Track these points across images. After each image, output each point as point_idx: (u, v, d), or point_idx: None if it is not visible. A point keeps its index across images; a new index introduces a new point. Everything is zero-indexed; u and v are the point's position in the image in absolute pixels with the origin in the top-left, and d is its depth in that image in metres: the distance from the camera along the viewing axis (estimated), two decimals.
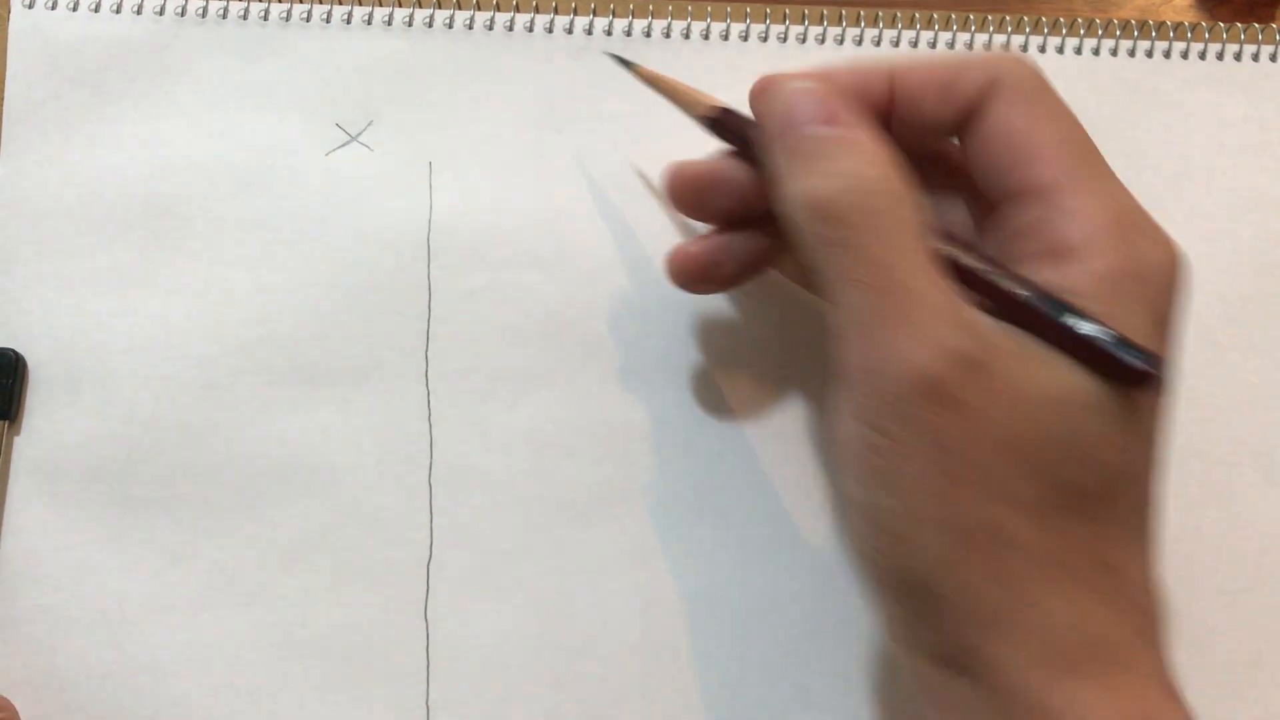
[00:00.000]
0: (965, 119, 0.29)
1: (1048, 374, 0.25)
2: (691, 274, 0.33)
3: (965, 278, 0.27)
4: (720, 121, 0.32)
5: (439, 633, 0.34)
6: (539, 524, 0.35)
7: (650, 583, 0.35)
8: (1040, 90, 0.29)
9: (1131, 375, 0.25)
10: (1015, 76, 0.28)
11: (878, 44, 0.39)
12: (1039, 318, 0.26)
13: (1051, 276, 0.26)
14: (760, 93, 0.29)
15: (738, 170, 0.31)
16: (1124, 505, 0.26)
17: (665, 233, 0.37)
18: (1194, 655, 0.35)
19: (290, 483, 0.35)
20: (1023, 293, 0.26)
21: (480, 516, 0.35)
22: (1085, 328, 0.25)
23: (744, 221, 0.32)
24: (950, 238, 0.28)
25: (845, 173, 0.27)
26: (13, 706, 0.33)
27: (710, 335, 0.37)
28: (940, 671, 0.26)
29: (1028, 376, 0.25)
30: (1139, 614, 0.26)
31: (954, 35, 0.39)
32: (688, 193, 0.32)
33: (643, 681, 0.34)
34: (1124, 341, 0.25)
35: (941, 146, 0.31)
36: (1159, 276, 0.27)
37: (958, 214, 0.31)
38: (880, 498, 0.26)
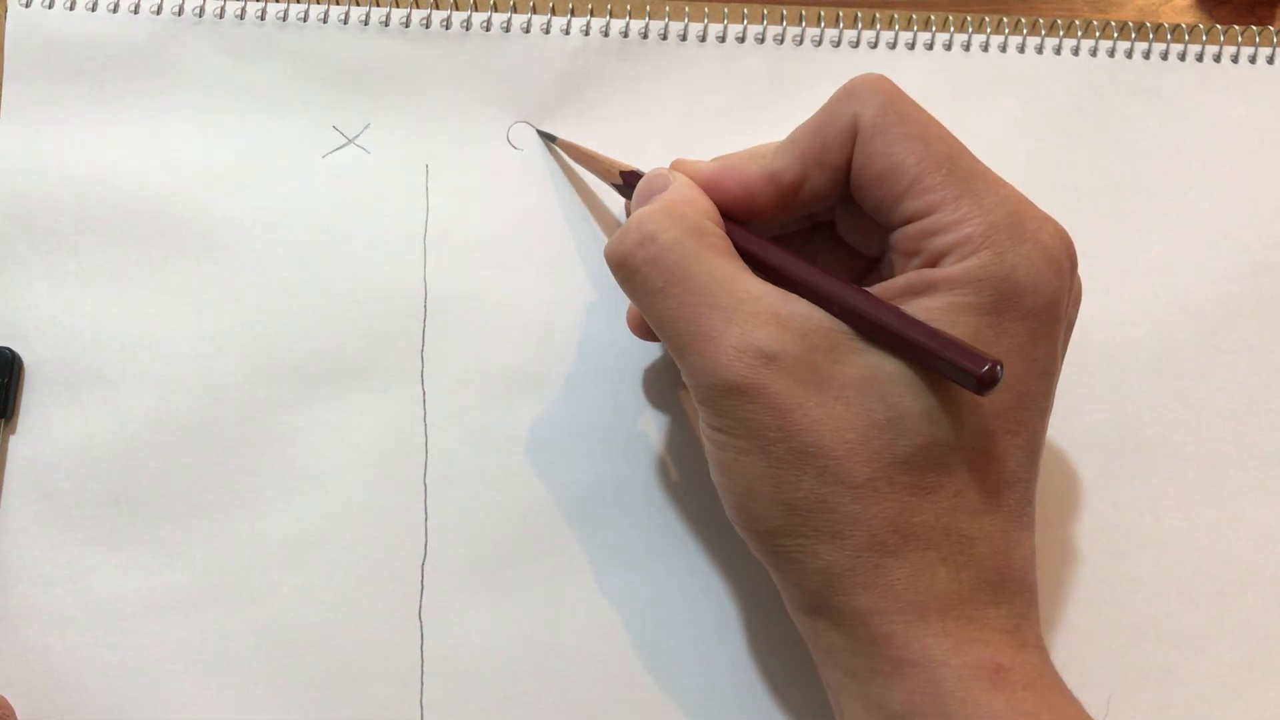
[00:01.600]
0: (847, 175, 0.30)
1: (865, 359, 0.27)
2: (643, 329, 0.34)
3: (780, 276, 0.29)
4: (628, 184, 0.34)
5: (433, 633, 0.35)
6: (534, 525, 0.35)
7: (645, 584, 0.35)
8: (891, 116, 0.29)
9: (963, 378, 0.26)
10: (867, 114, 0.29)
11: (875, 45, 0.39)
12: (864, 316, 0.27)
13: (909, 279, 0.28)
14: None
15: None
16: (963, 478, 0.27)
17: None
18: (1190, 656, 0.35)
19: (286, 482, 0.35)
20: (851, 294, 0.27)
21: (475, 517, 0.35)
22: (913, 333, 0.26)
23: None
24: (768, 243, 0.30)
25: (622, 230, 0.30)
26: (9, 705, 0.34)
27: None
28: (813, 619, 0.29)
29: (845, 362, 0.27)
30: (992, 575, 0.27)
31: (951, 36, 0.39)
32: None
33: (638, 683, 0.34)
34: (953, 343, 0.26)
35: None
36: (1028, 274, 0.27)
37: (872, 247, 0.32)
38: (725, 482, 0.29)
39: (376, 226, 0.37)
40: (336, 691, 0.34)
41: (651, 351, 0.37)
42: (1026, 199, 0.29)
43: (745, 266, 0.29)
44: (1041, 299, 0.27)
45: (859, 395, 0.27)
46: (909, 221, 0.28)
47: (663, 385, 0.36)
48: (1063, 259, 0.28)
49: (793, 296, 0.28)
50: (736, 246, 0.30)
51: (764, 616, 0.35)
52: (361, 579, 0.35)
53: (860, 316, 0.27)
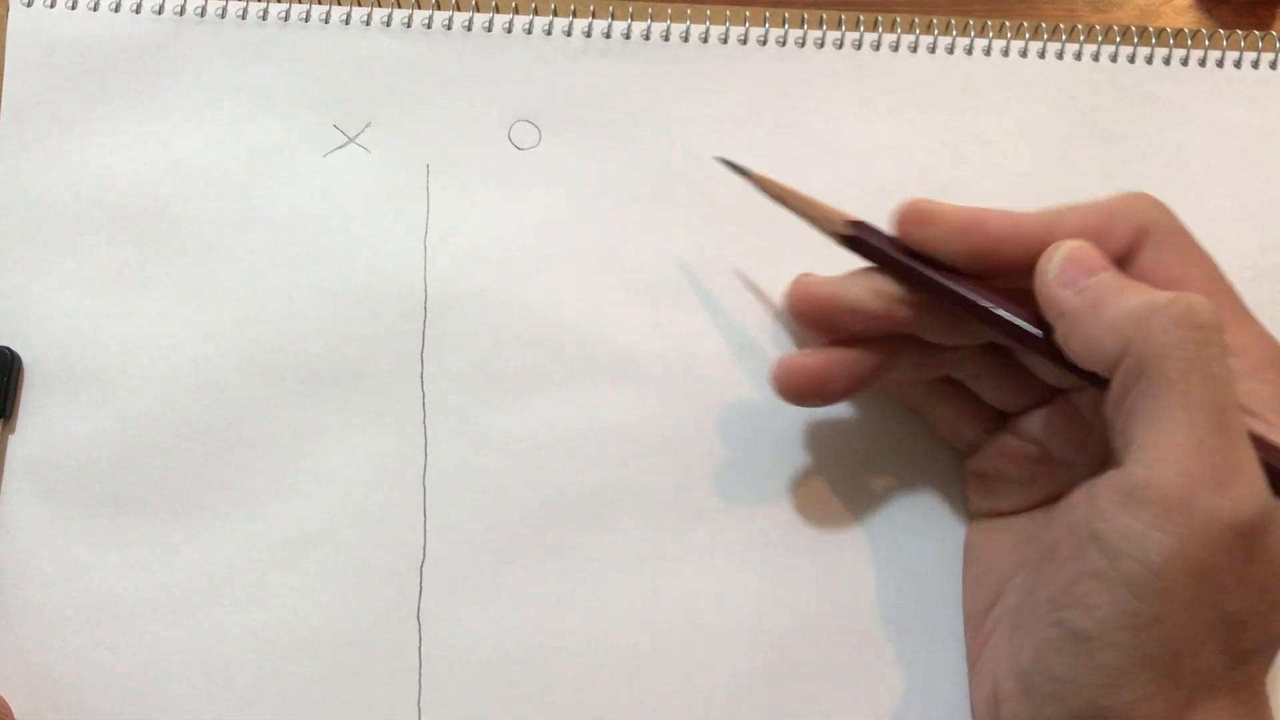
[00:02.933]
0: (1117, 266, 0.29)
1: None
2: (801, 389, 0.32)
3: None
4: (856, 239, 0.31)
5: (432, 635, 0.34)
6: (533, 527, 0.35)
7: (645, 586, 0.35)
8: (1182, 235, 0.30)
9: None
10: (1162, 225, 0.29)
11: (877, 48, 0.39)
12: None
13: None
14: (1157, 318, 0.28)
15: (867, 291, 0.31)
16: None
17: (663, 235, 0.37)
18: None
19: (284, 483, 0.35)
20: None
21: (474, 519, 0.35)
22: None
23: (859, 338, 0.32)
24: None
25: (1199, 299, 0.27)
26: (7, 705, 0.34)
27: (707, 338, 0.37)
28: None
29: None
30: None
31: (954, 40, 0.39)
32: (815, 313, 0.32)
33: (637, 686, 0.34)
34: None
35: None
36: None
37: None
38: (1146, 622, 0.26)
39: (377, 226, 0.37)
40: (334, 692, 0.34)
41: (654, 354, 0.36)
42: None
43: None
44: None
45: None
46: None
47: (663, 387, 0.36)
48: None
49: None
50: None
51: (764, 617, 0.35)
52: (360, 580, 0.35)
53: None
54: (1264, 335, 0.29)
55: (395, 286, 0.36)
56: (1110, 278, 0.28)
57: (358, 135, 0.37)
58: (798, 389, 0.32)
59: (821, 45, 0.39)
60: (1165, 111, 0.39)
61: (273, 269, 0.36)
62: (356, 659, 0.34)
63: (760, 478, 0.36)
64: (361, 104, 0.38)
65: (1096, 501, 0.27)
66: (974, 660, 0.33)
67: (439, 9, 0.38)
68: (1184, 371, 0.26)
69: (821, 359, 0.32)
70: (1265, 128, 0.39)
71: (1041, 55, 0.39)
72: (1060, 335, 0.29)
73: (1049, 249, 0.29)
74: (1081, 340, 0.28)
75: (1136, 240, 0.29)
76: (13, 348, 0.35)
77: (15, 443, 0.35)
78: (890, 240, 0.31)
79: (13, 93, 0.37)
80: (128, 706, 0.34)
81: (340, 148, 0.37)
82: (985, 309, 0.30)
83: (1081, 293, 0.28)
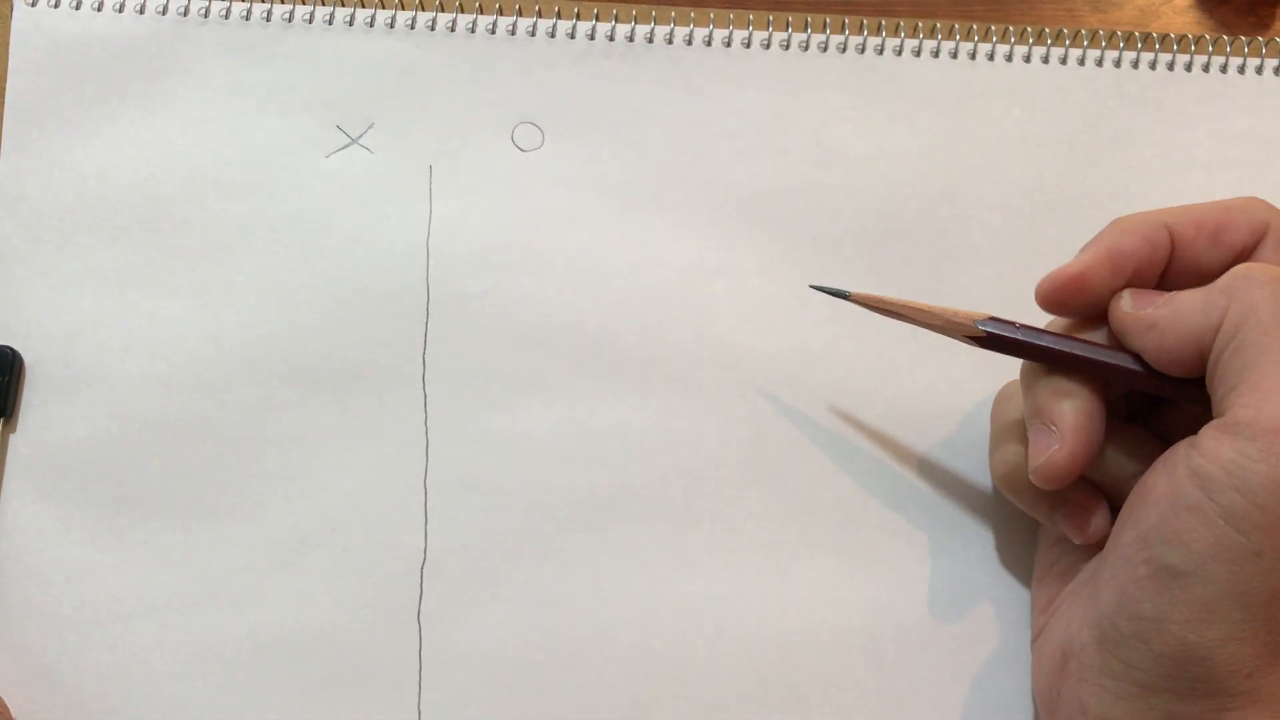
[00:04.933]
0: (1235, 263, 0.29)
1: None
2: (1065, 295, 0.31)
3: None
4: (992, 337, 0.31)
5: (432, 637, 0.34)
6: (534, 528, 0.35)
7: (645, 588, 0.35)
8: None
9: None
10: (1278, 225, 0.29)
11: (880, 52, 0.39)
12: None
13: None
14: (1243, 280, 0.28)
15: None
16: None
17: (665, 237, 0.37)
18: None
19: (285, 484, 0.35)
20: None
21: (475, 521, 0.35)
22: None
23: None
24: None
25: (1252, 264, 0.28)
26: (5, 705, 0.33)
27: (709, 340, 0.37)
28: None
29: None
30: None
31: (957, 45, 0.39)
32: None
33: (637, 686, 0.34)
34: None
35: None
36: None
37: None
38: (1218, 571, 0.26)
39: (379, 227, 0.37)
40: (334, 694, 0.34)
41: (655, 356, 0.36)
42: None
43: None
44: None
45: None
46: None
47: (664, 388, 0.36)
48: None
49: None
50: None
51: (765, 617, 0.35)
52: (360, 581, 0.35)
53: None
54: None
55: (397, 287, 0.36)
56: (1182, 291, 0.29)
57: (360, 136, 0.38)
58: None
59: (825, 49, 0.39)
60: (1167, 117, 0.39)
61: (274, 270, 0.36)
62: (357, 660, 0.34)
63: (760, 479, 0.36)
64: (364, 105, 0.38)
65: (1196, 442, 0.27)
66: (1039, 630, 0.33)
67: (442, 11, 0.38)
68: (1277, 316, 0.26)
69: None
70: (1267, 133, 0.39)
71: (1045, 60, 0.39)
72: (1154, 346, 0.29)
73: (1113, 300, 0.30)
74: (1176, 335, 0.28)
75: (1256, 237, 0.29)
76: (14, 347, 0.35)
77: (16, 442, 0.35)
78: (1024, 328, 0.31)
79: (16, 92, 0.37)
80: (126, 706, 0.34)
81: (343, 149, 0.37)
82: (1131, 370, 0.30)
83: (1164, 305, 0.29)
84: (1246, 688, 0.26)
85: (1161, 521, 0.27)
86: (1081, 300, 0.30)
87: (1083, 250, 0.31)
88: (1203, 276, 0.30)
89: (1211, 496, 0.26)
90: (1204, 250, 0.30)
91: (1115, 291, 0.30)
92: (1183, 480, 0.27)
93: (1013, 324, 0.31)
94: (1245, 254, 0.30)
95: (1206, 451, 0.26)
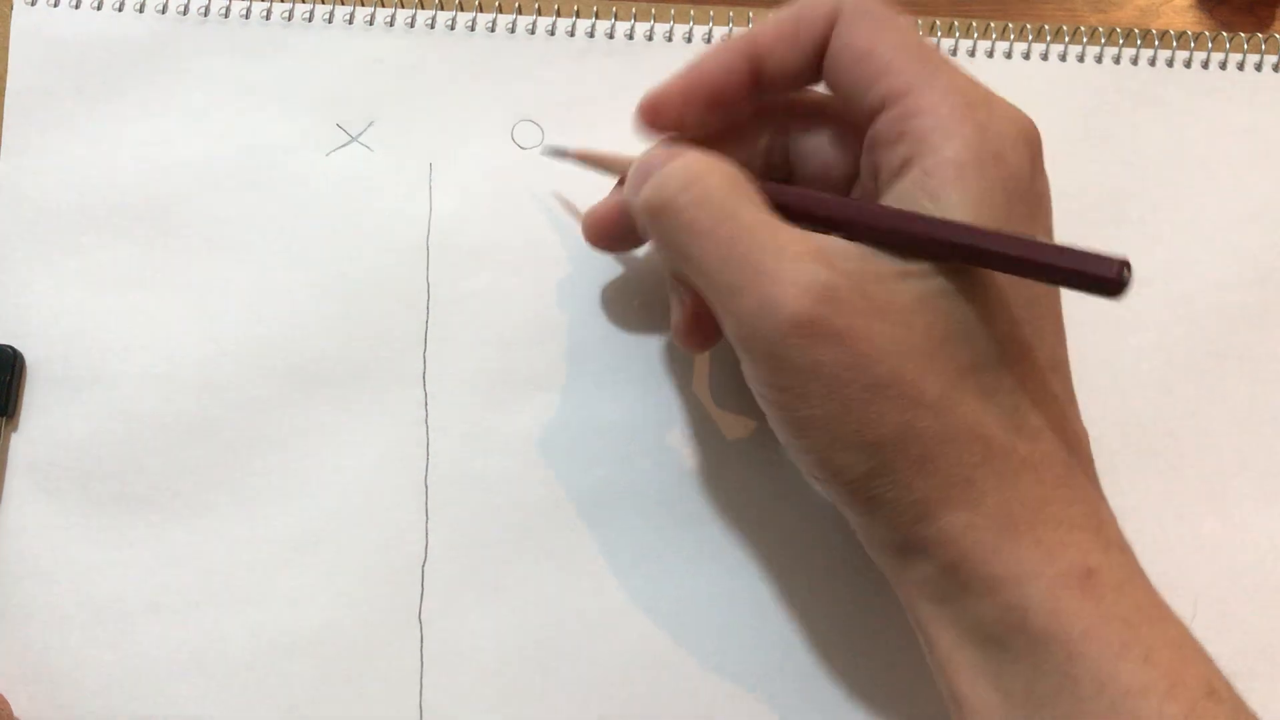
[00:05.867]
0: (820, 58, 0.30)
1: (913, 280, 0.27)
2: (601, 233, 0.34)
3: (806, 215, 0.29)
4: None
5: (433, 635, 0.34)
6: (535, 526, 0.35)
7: (646, 585, 0.35)
8: (872, 3, 0.29)
9: (1103, 278, 0.24)
10: (848, 3, 0.29)
11: None
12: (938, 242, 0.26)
13: (915, 177, 0.27)
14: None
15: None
16: (1022, 370, 0.27)
17: None
18: None
19: (286, 482, 0.35)
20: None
21: (476, 519, 0.35)
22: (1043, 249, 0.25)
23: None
24: (794, 188, 0.30)
25: (661, 174, 0.29)
26: (7, 703, 0.34)
27: None
28: (903, 557, 0.28)
29: (895, 287, 0.27)
30: (1062, 469, 0.27)
31: (956, 43, 0.39)
32: (604, 235, 0.34)
33: (638, 685, 0.34)
34: (1077, 253, 0.25)
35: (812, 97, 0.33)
36: (1013, 150, 0.28)
37: (846, 158, 0.32)
38: (802, 442, 0.28)
39: (379, 225, 0.37)
40: (336, 693, 0.34)
41: (657, 354, 0.36)
42: (988, 87, 0.29)
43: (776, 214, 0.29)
44: (1025, 178, 0.28)
45: (916, 315, 0.26)
46: (884, 105, 0.28)
47: (667, 386, 0.36)
48: (1034, 134, 0.29)
49: (826, 235, 0.28)
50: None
51: (767, 616, 0.35)
52: (361, 580, 0.35)
53: (944, 242, 0.26)
54: (954, 92, 0.28)
55: (397, 285, 0.36)
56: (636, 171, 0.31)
57: (360, 134, 0.38)
58: (599, 232, 0.34)
59: None
60: (1167, 114, 0.39)
61: (275, 268, 0.36)
62: (358, 658, 0.34)
63: (761, 478, 0.36)
64: (364, 103, 0.38)
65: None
66: None
67: (442, 9, 0.38)
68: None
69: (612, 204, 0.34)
70: (1268, 130, 0.39)
71: (1045, 58, 0.39)
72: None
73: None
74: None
75: (831, 21, 0.30)
76: (15, 346, 0.35)
77: (18, 441, 0.35)
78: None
79: (16, 91, 0.37)
80: (128, 705, 0.34)
81: (343, 146, 0.37)
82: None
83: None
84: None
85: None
86: (664, 121, 0.31)
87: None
88: (798, 79, 0.31)
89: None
90: (789, 55, 0.30)
91: (698, 114, 0.31)
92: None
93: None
94: (822, 44, 0.30)
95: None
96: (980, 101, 0.28)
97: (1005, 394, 0.27)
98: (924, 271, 0.27)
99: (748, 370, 0.28)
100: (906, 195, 0.27)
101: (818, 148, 0.32)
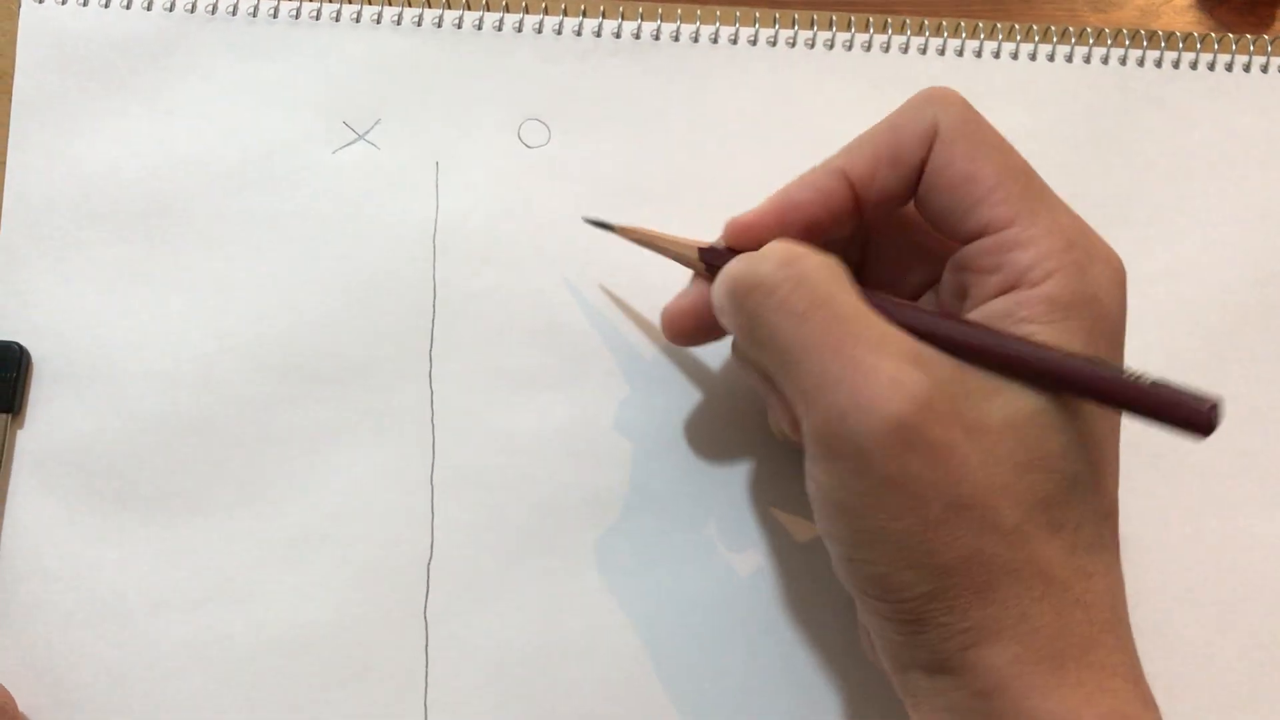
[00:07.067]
0: (918, 178, 0.29)
1: (1003, 399, 0.26)
2: (679, 329, 0.33)
3: (909, 327, 0.27)
4: (707, 258, 0.32)
5: (438, 633, 0.34)
6: (540, 526, 0.35)
7: (651, 585, 0.35)
8: (971, 124, 0.29)
9: (1194, 420, 0.24)
10: (947, 123, 0.29)
11: (886, 50, 0.39)
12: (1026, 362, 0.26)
13: (1007, 306, 0.27)
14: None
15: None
16: (1086, 510, 0.27)
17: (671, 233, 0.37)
18: (1192, 665, 0.35)
19: (292, 480, 0.35)
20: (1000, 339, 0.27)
21: (482, 517, 0.35)
22: (1146, 381, 0.25)
23: None
24: (884, 294, 0.28)
25: (754, 253, 0.28)
26: (11, 698, 0.33)
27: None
28: (935, 679, 0.27)
29: (985, 405, 0.26)
30: (1109, 614, 0.27)
31: (963, 43, 0.39)
32: (685, 332, 0.33)
33: (642, 684, 0.34)
34: (1173, 392, 0.25)
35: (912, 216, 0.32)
36: (1108, 296, 0.27)
37: (924, 269, 0.32)
38: (859, 551, 0.26)
39: (385, 223, 0.37)
40: (341, 690, 0.34)
41: (663, 355, 0.36)
42: (1086, 223, 0.29)
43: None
44: (1116, 320, 0.28)
45: (1003, 438, 0.25)
46: (983, 232, 0.28)
47: (671, 386, 0.36)
48: (1124, 275, 0.28)
49: (918, 340, 0.27)
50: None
51: (768, 617, 0.35)
52: (367, 578, 0.35)
53: (1044, 369, 0.26)
54: (1056, 228, 0.27)
55: (404, 284, 0.36)
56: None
57: (367, 132, 0.38)
58: (677, 328, 0.33)
59: (831, 46, 0.39)
60: (1170, 115, 0.39)
61: (280, 266, 0.36)
62: (363, 657, 0.34)
63: (766, 477, 0.36)
64: (371, 101, 0.38)
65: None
66: None
67: (449, 8, 0.38)
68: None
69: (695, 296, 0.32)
70: (1271, 131, 0.39)
71: (1050, 58, 0.39)
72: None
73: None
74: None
75: (930, 139, 0.29)
76: (21, 343, 0.35)
77: (23, 437, 0.35)
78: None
79: (23, 89, 0.37)
80: (131, 702, 0.34)
81: (349, 144, 0.37)
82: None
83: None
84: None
85: None
86: (750, 245, 0.30)
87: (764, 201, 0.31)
88: (896, 201, 0.30)
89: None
90: (889, 177, 0.29)
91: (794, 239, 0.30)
92: None
93: (727, 251, 0.31)
94: (925, 160, 0.29)
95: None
96: (1079, 240, 0.27)
97: (1070, 530, 0.26)
98: (1014, 393, 0.26)
99: (820, 471, 0.27)
100: (997, 323, 0.27)
101: (897, 255, 0.32)
